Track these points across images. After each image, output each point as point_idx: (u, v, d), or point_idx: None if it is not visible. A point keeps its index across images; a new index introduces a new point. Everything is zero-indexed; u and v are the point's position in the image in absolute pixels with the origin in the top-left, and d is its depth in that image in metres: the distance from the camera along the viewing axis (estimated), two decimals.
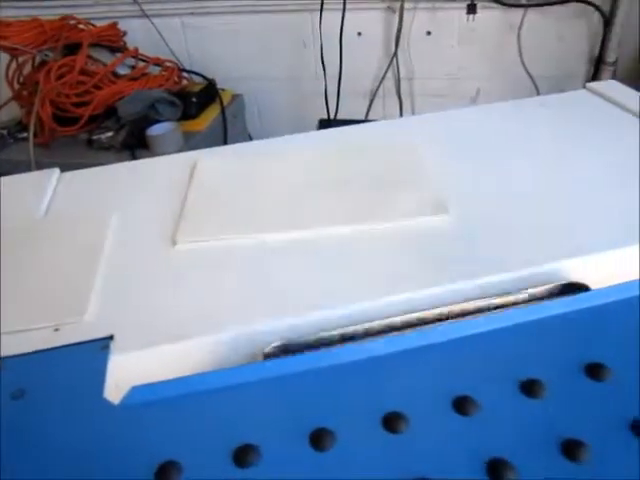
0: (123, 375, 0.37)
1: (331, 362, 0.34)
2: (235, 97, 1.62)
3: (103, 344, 0.38)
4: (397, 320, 0.38)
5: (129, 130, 1.38)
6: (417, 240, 0.45)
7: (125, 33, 1.60)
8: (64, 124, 1.43)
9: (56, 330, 0.40)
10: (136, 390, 0.34)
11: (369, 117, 1.72)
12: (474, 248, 0.44)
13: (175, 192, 0.55)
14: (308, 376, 0.34)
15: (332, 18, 1.54)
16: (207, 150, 0.63)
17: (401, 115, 1.68)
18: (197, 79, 1.65)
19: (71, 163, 1.38)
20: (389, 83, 1.65)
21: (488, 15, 1.48)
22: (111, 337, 0.39)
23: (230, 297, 0.41)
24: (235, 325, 0.38)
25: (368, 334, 0.37)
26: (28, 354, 0.39)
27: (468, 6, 1.40)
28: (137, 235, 0.49)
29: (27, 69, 1.51)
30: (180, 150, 1.35)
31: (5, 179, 0.62)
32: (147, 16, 1.66)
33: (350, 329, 0.37)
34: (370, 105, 1.70)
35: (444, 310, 0.39)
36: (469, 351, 0.36)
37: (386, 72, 1.61)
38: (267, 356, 0.37)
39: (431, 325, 0.39)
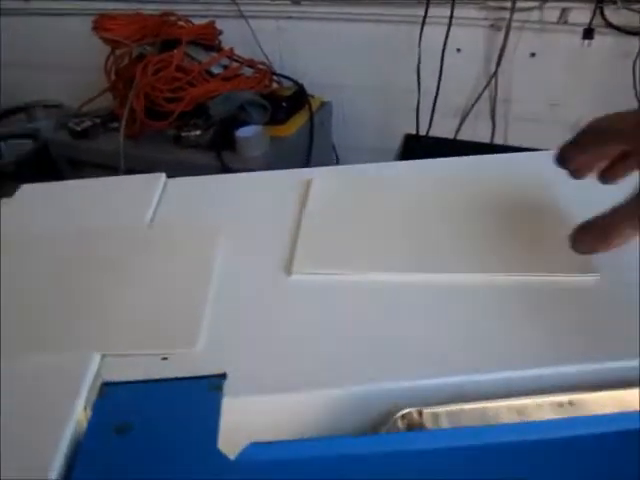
0: (230, 419, 0.33)
1: (491, 440, 0.30)
2: (324, 104, 1.60)
3: (216, 383, 0.35)
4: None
5: (217, 130, 1.37)
6: (566, 301, 0.40)
7: (221, 32, 1.61)
8: (154, 118, 1.44)
9: (164, 359, 0.37)
10: (255, 447, 0.30)
11: (458, 137, 1.65)
12: (631, 318, 0.38)
13: (285, 212, 0.51)
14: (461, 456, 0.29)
15: (432, 32, 1.49)
16: (318, 170, 0.59)
17: (492, 138, 1.61)
18: (286, 83, 1.63)
19: (157, 158, 1.39)
20: (483, 104, 1.58)
21: (601, 40, 1.39)
22: (224, 375, 0.35)
23: (356, 346, 0.37)
24: (361, 380, 0.34)
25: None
26: (134, 382, 0.36)
27: (585, 30, 1.32)
28: (248, 258, 0.46)
29: (123, 61, 1.54)
30: (266, 154, 1.33)
31: (107, 180, 0.60)
32: (244, 17, 1.66)
33: (516, 402, 0.32)
34: (460, 125, 1.63)
35: None
36: None
37: (482, 92, 1.54)
38: (398, 421, 0.33)
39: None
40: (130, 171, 1.43)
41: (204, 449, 0.31)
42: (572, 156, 0.38)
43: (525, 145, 1.58)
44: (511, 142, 1.61)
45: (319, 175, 0.56)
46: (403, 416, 0.33)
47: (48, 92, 2.05)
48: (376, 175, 0.57)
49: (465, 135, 1.64)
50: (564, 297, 0.40)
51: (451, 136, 1.65)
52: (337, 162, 1.78)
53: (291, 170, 0.60)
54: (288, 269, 0.44)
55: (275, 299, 0.41)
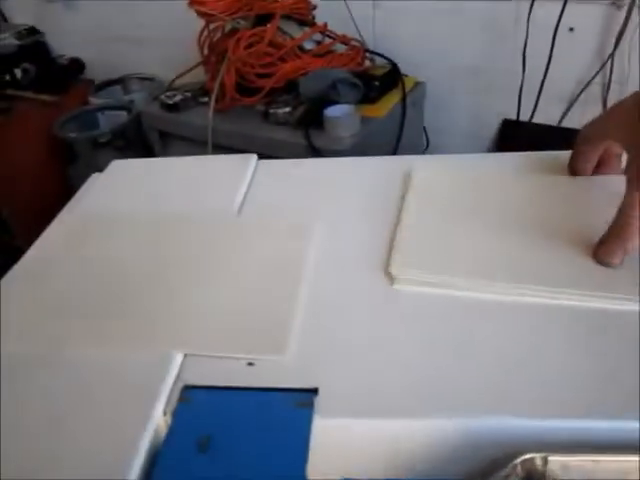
0: (318, 441, 0.29)
1: None
2: (417, 84, 1.52)
3: (306, 398, 0.31)
4: None
5: (307, 108, 1.33)
6: None
7: (315, 7, 1.55)
8: (244, 94, 1.42)
9: (249, 365, 0.34)
10: None
11: (563, 124, 1.52)
12: None
13: (384, 205, 0.46)
14: None
15: (542, 9, 1.37)
16: (420, 158, 0.53)
17: None
18: (380, 62, 1.56)
19: (245, 134, 1.37)
20: (594, 89, 1.44)
21: None
22: (315, 390, 0.31)
23: (472, 371, 0.32)
24: (475, 412, 0.29)
25: None
26: (216, 388, 0.33)
27: None
28: (344, 258, 0.41)
29: (217, 36, 1.53)
30: (356, 135, 1.28)
31: (198, 159, 0.58)
32: None
33: None
34: (567, 111, 1.50)
35: None
36: None
37: (595, 75, 1.41)
38: (518, 467, 0.28)
39: None
40: (218, 146, 1.42)
41: (291, 475, 0.27)
42: (581, 168, 0.44)
43: None
44: None
45: (418, 166, 0.50)
46: (524, 462, 0.28)
47: (143, 65, 2.10)
48: (478, 169, 0.50)
49: (571, 123, 1.51)
50: None
51: (554, 123, 1.52)
52: (427, 146, 1.70)
53: (387, 157, 0.55)
54: (388, 274, 0.39)
55: (376, 308, 0.37)
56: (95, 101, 2.00)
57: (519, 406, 0.29)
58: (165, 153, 1.64)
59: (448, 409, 0.30)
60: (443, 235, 0.42)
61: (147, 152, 1.71)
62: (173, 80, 1.64)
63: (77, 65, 2.10)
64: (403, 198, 0.46)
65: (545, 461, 0.28)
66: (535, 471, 0.28)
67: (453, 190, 0.47)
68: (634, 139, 0.36)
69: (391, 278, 0.38)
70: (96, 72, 2.19)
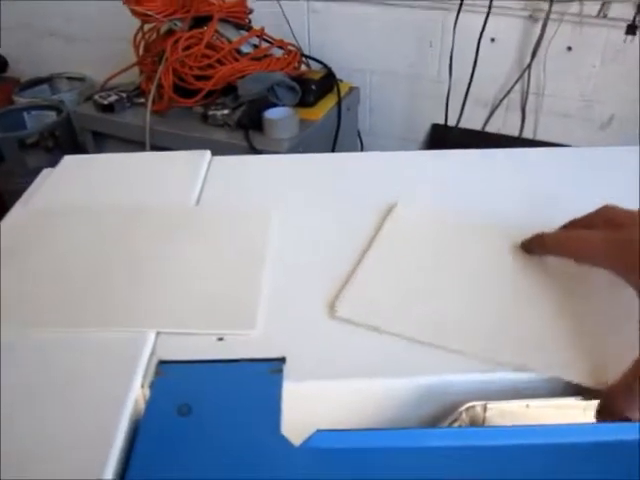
0: (289, 404, 0.33)
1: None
2: (352, 90, 1.58)
3: (275, 366, 0.34)
4: None
5: (246, 110, 1.36)
6: None
7: (251, 11, 1.58)
8: (182, 95, 1.43)
9: (220, 340, 0.36)
10: (321, 435, 0.30)
11: (486, 129, 1.63)
12: None
13: (331, 197, 0.50)
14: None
15: (467, 20, 1.46)
16: (360, 155, 0.57)
17: (521, 132, 1.58)
18: (315, 66, 1.61)
19: (184, 135, 1.38)
20: (515, 96, 1.55)
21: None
22: (283, 359, 0.35)
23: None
24: (427, 371, 0.33)
25: None
26: (191, 362, 0.35)
27: (628, 26, 1.28)
28: (299, 241, 0.45)
29: (152, 36, 1.52)
30: (294, 137, 1.32)
31: (153, 155, 0.59)
32: None
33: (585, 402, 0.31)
34: (489, 117, 1.61)
35: None
36: None
37: (515, 84, 1.51)
38: (463, 414, 0.32)
39: None
40: (155, 147, 1.42)
41: (268, 434, 0.30)
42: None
43: (554, 140, 1.56)
44: (540, 137, 1.58)
45: (404, 201, 0.48)
46: (467, 409, 0.32)
47: (71, 64, 2.04)
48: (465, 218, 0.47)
49: (494, 127, 1.62)
50: None
51: (479, 127, 1.63)
52: (362, 149, 1.76)
53: (332, 154, 0.59)
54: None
55: (334, 281, 0.40)
56: (21, 100, 1.93)
57: (468, 363, 0.34)
58: (99, 153, 1.61)
59: (401, 369, 0.34)
60: (401, 283, 0.40)
61: (79, 153, 1.67)
62: (107, 80, 1.62)
63: None
64: (379, 227, 0.45)
65: (485, 408, 0.32)
66: (477, 417, 0.32)
67: (431, 235, 0.44)
68: None
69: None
70: (21, 70, 2.12)
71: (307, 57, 1.60)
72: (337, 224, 0.47)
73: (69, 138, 1.73)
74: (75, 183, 0.54)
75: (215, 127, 1.38)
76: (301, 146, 1.31)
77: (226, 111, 1.37)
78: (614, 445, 0.31)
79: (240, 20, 1.54)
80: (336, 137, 1.48)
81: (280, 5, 1.64)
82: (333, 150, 1.48)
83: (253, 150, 1.28)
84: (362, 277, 0.40)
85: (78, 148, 1.72)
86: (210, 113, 1.38)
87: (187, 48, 1.38)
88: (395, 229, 0.45)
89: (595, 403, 0.32)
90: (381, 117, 1.77)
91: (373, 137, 1.79)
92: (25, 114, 1.88)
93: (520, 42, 1.48)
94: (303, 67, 1.62)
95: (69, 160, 0.57)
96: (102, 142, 1.59)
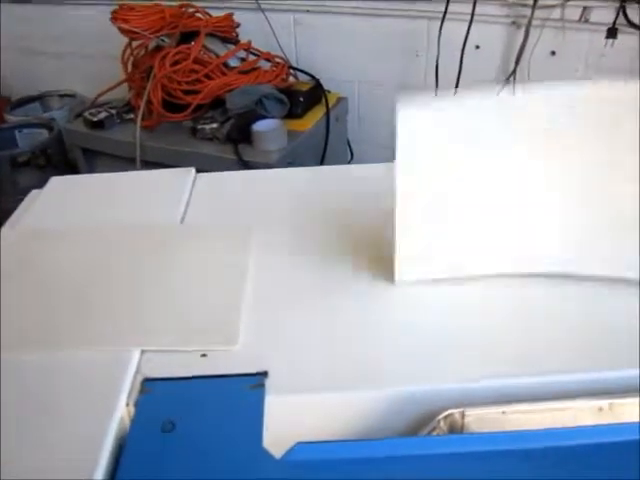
0: (271, 417, 0.33)
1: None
2: (340, 100, 1.59)
3: (257, 381, 0.35)
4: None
5: (234, 123, 1.37)
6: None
7: (238, 25, 1.60)
8: (171, 110, 1.44)
9: (203, 356, 0.37)
10: (302, 447, 0.30)
11: None
12: None
13: (315, 208, 0.51)
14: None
15: (451, 28, 1.48)
16: (348, 167, 0.58)
17: None
18: (303, 78, 1.62)
19: (174, 150, 1.39)
20: None
21: (623, 40, 1.37)
22: (265, 373, 0.35)
23: (400, 347, 0.37)
24: (405, 382, 0.34)
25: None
26: (175, 379, 0.36)
27: (609, 30, 1.30)
28: (282, 256, 0.46)
29: (140, 52, 1.54)
30: (283, 149, 1.33)
31: (137, 174, 0.60)
32: (261, 10, 1.65)
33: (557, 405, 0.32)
34: None
35: None
36: None
37: (501, 90, 1.53)
38: (441, 422, 0.33)
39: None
40: (146, 162, 1.43)
41: (250, 448, 0.31)
42: None
43: None
44: None
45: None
46: (445, 417, 0.33)
47: (63, 82, 2.05)
48: None
49: None
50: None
51: None
52: (352, 158, 1.77)
53: (321, 167, 0.60)
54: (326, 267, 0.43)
55: (315, 298, 0.41)
56: (12, 119, 1.93)
57: (445, 371, 0.35)
58: (90, 171, 1.61)
59: (379, 381, 0.34)
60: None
61: (71, 170, 1.68)
62: (97, 97, 1.63)
63: None
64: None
65: (462, 415, 0.33)
66: (456, 425, 0.33)
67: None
68: None
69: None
70: (12, 89, 2.12)
71: (295, 69, 1.61)
72: (319, 237, 0.48)
73: (60, 156, 1.74)
74: (62, 204, 0.55)
75: (204, 141, 1.38)
76: (290, 157, 1.32)
77: (215, 125, 1.38)
78: (596, 447, 0.32)
79: (227, 34, 1.55)
80: (325, 147, 1.49)
81: (267, 18, 1.66)
82: (322, 160, 1.49)
83: (242, 163, 1.29)
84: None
85: (69, 166, 1.73)
86: (199, 127, 1.39)
87: (175, 63, 1.39)
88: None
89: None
90: (371, 126, 1.79)
91: (363, 146, 1.80)
92: (17, 132, 1.89)
93: (504, 48, 1.50)
94: (291, 79, 1.63)
95: (56, 181, 0.58)
96: (93, 159, 1.59)
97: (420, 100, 0.39)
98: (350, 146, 1.76)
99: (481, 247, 0.39)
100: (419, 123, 0.39)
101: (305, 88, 1.48)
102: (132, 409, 0.34)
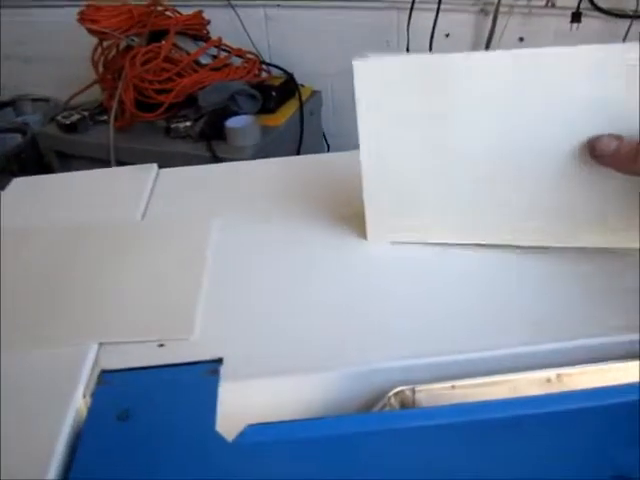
0: (228, 403, 0.34)
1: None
2: (313, 94, 1.59)
3: (212, 367, 0.35)
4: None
5: (207, 120, 1.37)
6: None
7: (209, 22, 1.59)
8: (144, 110, 1.43)
9: (161, 346, 0.38)
10: (252, 429, 0.31)
11: None
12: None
13: (277, 199, 0.52)
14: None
15: (420, 18, 1.49)
16: (311, 157, 0.59)
17: None
18: (276, 72, 1.63)
19: (148, 150, 1.39)
20: None
21: (588, 24, 1.39)
22: (220, 360, 0.36)
23: (349, 326, 0.37)
24: (355, 361, 0.35)
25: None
26: (131, 369, 0.36)
27: (573, 14, 1.32)
28: (240, 246, 0.46)
29: (111, 53, 1.53)
30: (257, 144, 1.33)
31: (100, 172, 0.60)
32: (232, 6, 1.65)
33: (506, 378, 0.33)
34: None
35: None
36: None
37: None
38: (392, 399, 0.34)
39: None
40: (121, 163, 1.42)
41: (202, 432, 0.32)
42: None
43: None
44: None
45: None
46: (396, 394, 0.34)
47: (35, 85, 2.04)
48: None
49: None
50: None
51: None
52: (328, 150, 1.78)
53: (284, 158, 0.61)
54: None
55: (269, 285, 0.42)
56: None
57: (393, 349, 0.35)
58: None
59: (333, 360, 0.35)
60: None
61: (47, 174, 1.67)
62: (69, 100, 1.62)
63: None
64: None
65: (413, 391, 0.34)
66: (407, 401, 0.34)
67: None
68: None
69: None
70: None
71: (267, 64, 1.62)
72: (279, 228, 0.48)
73: (35, 161, 1.73)
74: (23, 205, 0.55)
75: (178, 139, 1.38)
76: (265, 152, 1.32)
77: (188, 123, 1.38)
78: (544, 416, 0.32)
79: (198, 32, 1.54)
80: (300, 141, 1.50)
81: (237, 14, 1.66)
82: (298, 154, 1.50)
83: (216, 159, 1.29)
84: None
85: (45, 170, 1.71)
86: (172, 126, 1.39)
87: (145, 63, 1.38)
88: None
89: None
90: (346, 118, 1.79)
91: (339, 138, 1.80)
92: None
93: (473, 36, 1.51)
94: (265, 74, 1.63)
95: (18, 182, 0.58)
96: (68, 163, 1.58)
97: (377, 57, 0.38)
98: (326, 139, 1.76)
99: (447, 214, 0.40)
100: (377, 75, 0.39)
101: (277, 83, 1.48)
102: (89, 400, 0.34)
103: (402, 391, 0.34)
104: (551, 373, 0.35)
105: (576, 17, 1.32)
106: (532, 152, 0.38)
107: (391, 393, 0.34)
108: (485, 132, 0.38)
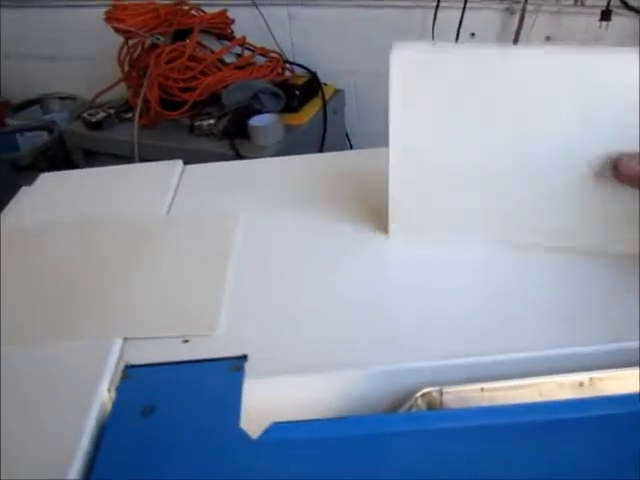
0: (252, 400, 0.34)
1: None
2: (337, 92, 1.59)
3: (237, 364, 0.35)
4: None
5: (231, 119, 1.37)
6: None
7: (233, 21, 1.60)
8: (168, 108, 1.44)
9: (185, 342, 0.38)
10: (277, 427, 0.31)
11: None
12: None
13: (302, 197, 0.51)
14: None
15: (445, 17, 1.47)
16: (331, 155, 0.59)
17: None
18: (299, 71, 1.62)
19: (172, 147, 1.39)
20: None
21: (618, 23, 1.36)
22: (245, 357, 0.36)
23: (377, 327, 0.37)
24: (382, 361, 0.34)
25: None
26: (156, 365, 0.36)
27: (602, 12, 1.29)
28: (266, 243, 0.46)
29: (137, 51, 1.54)
30: (280, 143, 1.33)
31: (126, 168, 0.61)
32: (255, 5, 1.65)
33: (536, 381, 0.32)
34: None
35: None
36: None
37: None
38: (419, 400, 0.33)
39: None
40: (145, 161, 1.43)
41: (226, 429, 0.31)
42: None
43: None
44: None
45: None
46: (424, 395, 0.33)
47: (63, 84, 2.06)
48: None
49: None
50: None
51: None
52: (351, 150, 1.77)
53: (307, 155, 0.60)
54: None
55: (294, 282, 0.41)
56: (13, 122, 1.95)
57: (423, 350, 0.35)
58: None
59: (360, 359, 0.35)
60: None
61: None
62: (95, 98, 1.64)
63: None
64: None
65: (441, 393, 0.33)
66: (434, 402, 0.33)
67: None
68: None
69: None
70: (12, 93, 2.14)
71: (290, 63, 1.61)
72: (302, 225, 0.48)
73: (62, 158, 1.75)
74: (51, 199, 0.55)
75: (202, 137, 1.39)
76: (287, 151, 1.32)
77: (212, 121, 1.38)
78: (577, 421, 0.32)
79: (222, 31, 1.55)
80: (323, 140, 1.49)
81: (261, 13, 1.66)
82: (321, 152, 1.49)
83: (240, 158, 1.29)
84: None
85: (71, 167, 1.74)
86: (196, 124, 1.39)
87: (170, 61, 1.39)
88: None
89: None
90: (369, 118, 1.78)
91: (363, 138, 1.79)
92: (18, 136, 1.90)
93: (500, 35, 1.49)
94: (287, 73, 1.63)
95: (45, 178, 0.59)
96: (93, 160, 1.60)
97: (417, 46, 0.37)
98: (349, 138, 1.76)
99: (474, 212, 0.39)
100: (414, 67, 0.37)
101: (301, 82, 1.48)
102: (113, 394, 0.34)
103: (429, 392, 0.33)
104: (584, 377, 0.34)
105: (606, 15, 1.29)
106: (568, 154, 0.37)
107: (418, 394, 0.33)
108: (522, 132, 0.36)
